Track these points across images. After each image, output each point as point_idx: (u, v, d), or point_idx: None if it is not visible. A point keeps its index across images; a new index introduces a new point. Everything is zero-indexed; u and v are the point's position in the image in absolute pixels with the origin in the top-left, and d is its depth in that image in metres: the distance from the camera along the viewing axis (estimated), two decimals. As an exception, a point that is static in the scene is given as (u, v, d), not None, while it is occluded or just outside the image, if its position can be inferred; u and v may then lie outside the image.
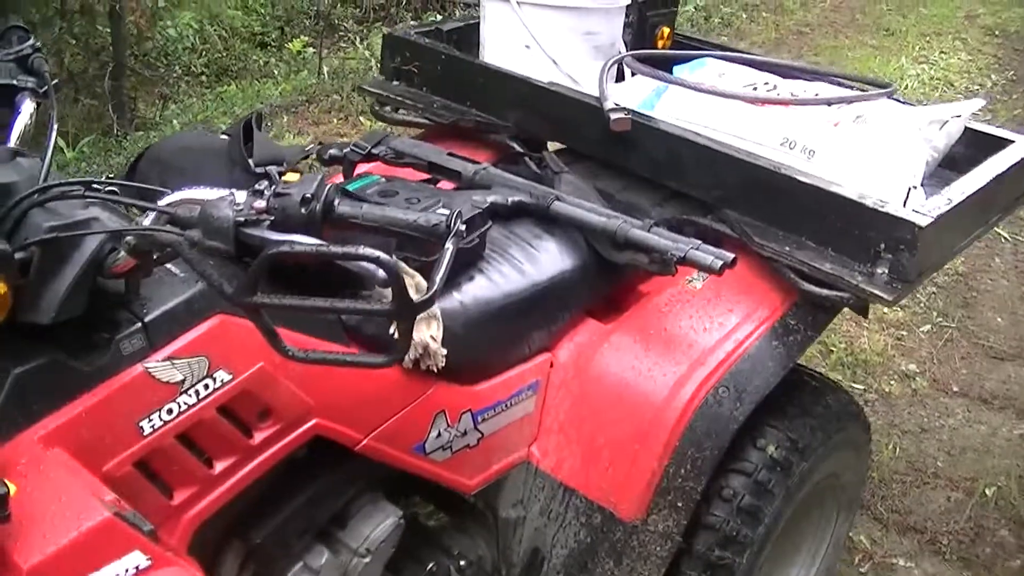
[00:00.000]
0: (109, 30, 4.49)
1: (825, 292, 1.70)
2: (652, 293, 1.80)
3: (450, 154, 1.70)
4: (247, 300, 1.05)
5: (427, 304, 1.06)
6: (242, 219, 1.12)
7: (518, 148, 2.01)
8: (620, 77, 2.16)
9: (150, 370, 1.22)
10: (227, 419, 1.31)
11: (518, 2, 2.03)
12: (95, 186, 1.17)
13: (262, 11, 6.16)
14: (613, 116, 1.84)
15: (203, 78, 5.44)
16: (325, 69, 5.28)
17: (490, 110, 2.05)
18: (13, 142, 1.38)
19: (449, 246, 1.13)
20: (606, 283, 1.77)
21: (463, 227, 1.17)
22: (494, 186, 1.60)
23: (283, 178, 1.22)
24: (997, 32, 7.06)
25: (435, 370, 1.49)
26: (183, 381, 1.25)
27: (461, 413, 1.59)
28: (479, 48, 2.21)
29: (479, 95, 2.06)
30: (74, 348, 1.18)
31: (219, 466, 1.32)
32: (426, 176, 1.69)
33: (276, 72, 5.64)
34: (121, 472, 1.21)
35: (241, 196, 1.15)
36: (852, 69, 6.00)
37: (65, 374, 1.17)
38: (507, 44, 2.10)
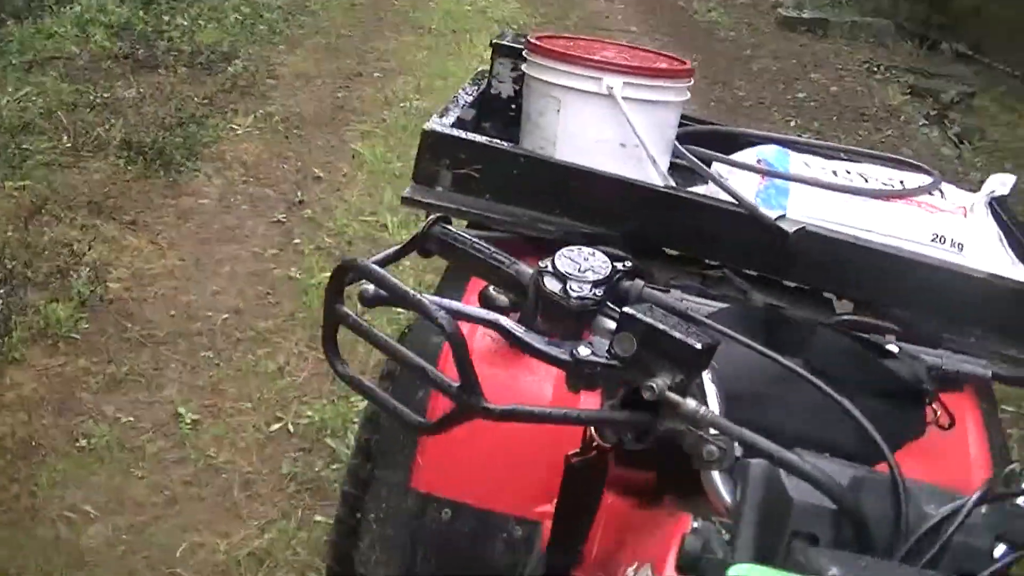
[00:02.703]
0: None
1: None
2: None
3: None
4: None
5: None
6: None
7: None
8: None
9: None
10: None
11: (623, 98, 1.74)
12: None
13: None
14: (789, 228, 1.66)
15: None
16: None
17: (593, 220, 1.73)
18: None
19: None
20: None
21: None
22: None
23: None
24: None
25: None
26: None
27: None
28: (519, 141, 1.88)
29: (572, 202, 1.73)
30: None
31: None
32: None
33: None
34: None
35: None
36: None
37: None
38: (592, 142, 1.79)
